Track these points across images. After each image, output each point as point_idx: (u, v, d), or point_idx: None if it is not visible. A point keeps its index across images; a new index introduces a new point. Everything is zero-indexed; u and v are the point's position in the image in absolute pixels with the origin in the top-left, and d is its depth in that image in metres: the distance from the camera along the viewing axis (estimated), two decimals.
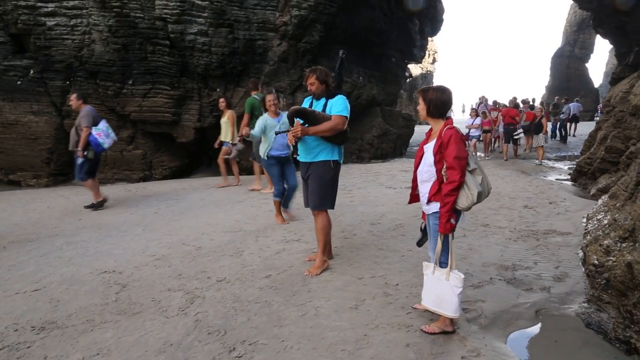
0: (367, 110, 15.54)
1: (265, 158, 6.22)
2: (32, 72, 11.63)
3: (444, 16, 20.61)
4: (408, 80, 21.60)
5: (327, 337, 3.15)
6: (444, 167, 3.07)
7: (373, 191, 8.50)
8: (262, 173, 8.95)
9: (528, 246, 5.37)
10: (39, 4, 11.12)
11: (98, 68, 11.48)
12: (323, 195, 4.39)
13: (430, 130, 3.30)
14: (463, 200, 3.07)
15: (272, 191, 8.83)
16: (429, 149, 3.20)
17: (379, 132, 15.39)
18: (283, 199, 6.36)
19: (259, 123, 6.21)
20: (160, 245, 5.55)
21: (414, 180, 3.40)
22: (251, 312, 3.57)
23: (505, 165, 13.25)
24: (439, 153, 3.10)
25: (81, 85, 11.66)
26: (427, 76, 36.11)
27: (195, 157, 13.33)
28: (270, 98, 6.43)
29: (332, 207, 4.48)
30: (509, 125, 14.36)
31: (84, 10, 11.20)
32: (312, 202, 4.44)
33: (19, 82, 11.72)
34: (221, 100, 9.79)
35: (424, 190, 3.26)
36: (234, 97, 11.96)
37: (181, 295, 3.97)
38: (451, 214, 3.06)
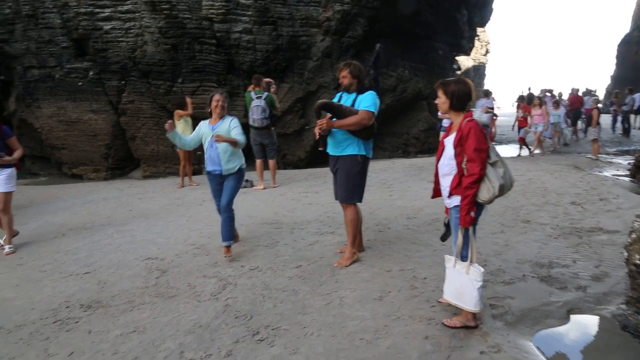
0: (413, 104, 15.38)
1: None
2: (91, 73, 12.38)
3: (494, 5, 20.00)
4: (457, 72, 21.13)
5: (348, 326, 3.25)
6: (464, 159, 3.08)
7: (414, 186, 8.46)
8: (266, 168, 8.98)
9: (569, 244, 5.21)
10: (97, 10, 11.80)
11: (150, 68, 12.04)
12: (351, 189, 4.46)
13: (451, 124, 3.31)
14: (484, 193, 3.06)
15: (261, 187, 8.77)
16: (449, 142, 3.22)
17: (425, 126, 15.21)
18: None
19: (195, 129, 5.01)
20: (201, 235, 5.83)
21: (436, 174, 3.42)
22: (278, 300, 3.73)
23: (557, 160, 12.77)
24: (459, 146, 3.11)
25: (135, 84, 12.28)
26: (479, 68, 35.10)
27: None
28: (216, 98, 4.88)
29: (360, 201, 4.55)
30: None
31: (137, 14, 11.77)
32: (340, 195, 4.54)
33: (79, 83, 12.50)
34: (190, 100, 9.87)
35: (445, 183, 3.28)
36: (279, 93, 12.20)
37: (215, 282, 4.19)
38: (471, 207, 3.07)
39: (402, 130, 15.08)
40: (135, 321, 3.48)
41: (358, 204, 4.55)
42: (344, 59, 12.48)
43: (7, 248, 5.70)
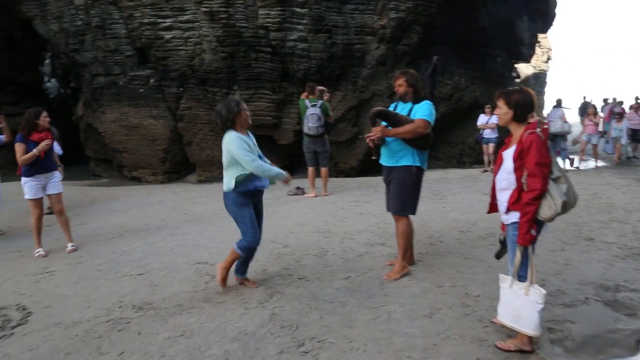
0: (469, 113, 14.96)
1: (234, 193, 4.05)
2: (152, 80, 12.90)
3: (557, 10, 19.18)
4: (516, 80, 20.41)
5: (395, 342, 3.15)
6: (524, 174, 2.92)
7: (468, 197, 8.19)
8: (318, 176, 8.91)
9: (638, 265, 4.85)
10: (159, 20, 12.29)
11: (207, 75, 12.39)
12: (404, 201, 4.36)
13: (510, 136, 3.15)
14: (545, 210, 2.88)
15: (312, 195, 8.36)
16: (508, 155, 3.06)
17: None
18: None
19: (241, 144, 3.95)
20: None
21: (493, 188, 3.26)
22: (325, 311, 3.67)
23: (625, 173, 12.00)
24: (518, 159, 2.95)
25: (192, 91, 12.67)
26: (540, 76, 33.73)
27: (295, 158, 13.83)
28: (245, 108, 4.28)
29: (413, 213, 4.44)
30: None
31: (196, 23, 12.16)
32: (392, 207, 4.44)
33: (141, 90, 13.06)
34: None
35: (503, 198, 3.12)
36: (332, 101, 12.21)
37: (262, 290, 4.20)
38: (531, 225, 2.90)
39: (457, 139, 14.70)
40: (183, 325, 3.53)
41: (410, 216, 4.44)
42: (399, 67, 12.35)
43: (69, 246, 5.99)
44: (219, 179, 12.54)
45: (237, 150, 3.92)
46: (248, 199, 4.12)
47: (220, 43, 11.95)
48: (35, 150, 5.59)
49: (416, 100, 4.33)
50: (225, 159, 4.05)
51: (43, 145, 5.64)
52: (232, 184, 4.03)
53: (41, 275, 5.00)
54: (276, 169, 4.19)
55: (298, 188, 9.24)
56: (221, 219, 7.22)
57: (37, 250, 5.78)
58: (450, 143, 14.75)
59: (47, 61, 19.71)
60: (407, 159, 4.30)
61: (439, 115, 12.77)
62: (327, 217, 6.99)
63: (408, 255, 4.55)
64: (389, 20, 11.88)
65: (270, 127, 12.58)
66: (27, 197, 5.78)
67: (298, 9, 11.62)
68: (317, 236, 5.98)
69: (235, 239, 5.92)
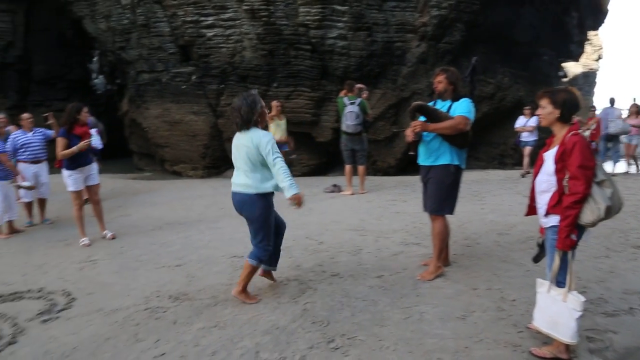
0: (512, 113, 14.57)
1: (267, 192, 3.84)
2: (193, 77, 13.21)
3: (610, 6, 18.37)
4: (563, 80, 19.72)
5: (426, 343, 3.11)
6: (566, 176, 2.82)
7: (508, 199, 7.98)
8: (355, 174, 8.88)
9: None
10: (201, 18, 12.57)
11: (247, 72, 12.58)
12: (441, 200, 4.30)
13: (552, 137, 3.05)
14: (588, 215, 2.78)
15: (349, 193, 8.36)
16: (550, 157, 2.96)
17: None
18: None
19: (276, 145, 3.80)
20: (286, 238, 5.79)
21: (532, 190, 3.17)
22: (356, 309, 3.67)
23: None
24: (560, 161, 2.85)
25: (233, 88, 12.88)
26: (589, 75, 32.45)
27: (333, 156, 13.86)
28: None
29: (451, 213, 4.37)
30: None
31: (237, 21, 12.36)
32: (429, 206, 4.38)
33: (183, 87, 13.39)
34: (279, 104, 9.76)
35: (542, 201, 3.03)
36: (371, 99, 12.15)
37: (295, 285, 4.23)
38: (572, 229, 2.80)
39: (499, 140, 14.35)
40: (217, 316, 3.60)
41: (447, 215, 4.38)
42: (440, 66, 12.16)
43: (108, 233, 6.28)
44: None
45: (272, 153, 3.66)
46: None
47: (260, 41, 12.09)
48: (75, 148, 5.85)
49: (455, 98, 4.26)
50: (252, 158, 3.70)
51: (83, 144, 5.91)
52: (267, 187, 3.76)
53: (85, 264, 5.22)
54: (294, 185, 3.75)
55: (335, 185, 9.25)
56: None
57: (82, 240, 6.03)
58: (492, 143, 14.43)
59: (95, 59, 20.57)
60: (446, 157, 4.24)
61: (481, 115, 12.60)
62: (363, 215, 6.97)
63: (443, 256, 4.49)
64: (430, 18, 11.71)
65: (309, 124, 12.65)
66: (70, 189, 6.04)
67: (338, 7, 11.62)
68: (352, 234, 5.97)
69: None
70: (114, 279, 4.68)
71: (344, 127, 8.53)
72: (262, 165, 3.74)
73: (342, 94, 8.78)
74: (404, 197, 8.28)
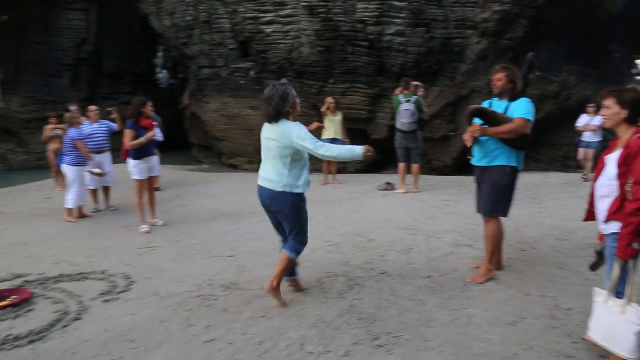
0: (577, 113, 13.86)
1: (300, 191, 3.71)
2: (252, 72, 13.50)
3: None
4: (637, 78, 18.51)
5: (473, 347, 3.06)
6: (629, 181, 2.68)
7: (569, 203, 7.64)
8: (409, 172, 8.74)
9: None
10: (260, 15, 12.80)
11: (304, 68, 12.70)
12: (495, 202, 4.18)
13: (616, 139, 2.90)
14: None
15: (402, 191, 8.28)
16: (612, 160, 2.82)
17: None
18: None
19: (309, 133, 3.58)
20: (336, 234, 5.97)
21: (592, 194, 3.03)
22: (403, 308, 3.66)
23: None
24: (623, 165, 2.71)
25: (289, 83, 13.05)
26: None
27: (387, 153, 13.75)
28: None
29: (505, 215, 4.24)
30: None
31: (295, 17, 12.49)
32: (483, 207, 4.28)
33: (241, 82, 13.72)
34: (332, 100, 9.74)
35: (602, 206, 2.89)
36: (428, 97, 11.95)
37: (343, 281, 4.27)
38: (634, 237, 2.66)
39: (562, 141, 13.69)
40: (266, 307, 3.70)
41: (501, 218, 4.26)
42: (501, 63, 11.78)
43: (160, 222, 6.63)
44: (311, 170, 12.88)
45: (309, 139, 3.46)
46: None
47: (318, 37, 12.17)
48: (142, 139, 6.23)
49: (513, 97, 4.12)
50: (282, 153, 3.52)
51: (149, 135, 6.30)
52: (299, 183, 3.62)
53: (144, 249, 5.50)
54: (355, 147, 3.60)
55: (388, 183, 9.19)
56: (309, 209, 7.36)
57: (141, 227, 6.34)
58: (554, 145, 13.80)
59: (159, 54, 21.47)
60: (502, 158, 4.11)
61: (543, 115, 12.11)
62: (415, 214, 6.90)
63: (495, 259, 4.37)
64: (492, 13, 11.35)
65: (364, 121, 12.63)
66: (135, 177, 6.37)
67: (396, 3, 11.49)
68: (402, 232, 5.93)
69: (321, 230, 6.10)
70: (170, 265, 4.90)
71: (398, 125, 8.46)
72: (292, 160, 3.55)
73: (397, 91, 8.70)
74: (458, 197, 8.11)
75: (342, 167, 13.04)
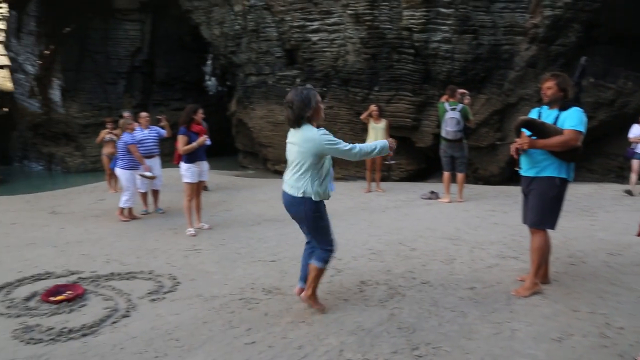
0: (634, 122, 13.22)
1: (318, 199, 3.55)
2: (298, 80, 13.68)
3: None
4: None
5: None
6: None
7: (624, 217, 7.29)
8: (454, 181, 8.58)
9: None
10: (307, 23, 12.99)
11: (349, 76, 12.75)
12: (543, 213, 4.06)
13: None
14: None
15: (446, 200, 8.26)
16: None
17: None
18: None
19: (333, 136, 3.52)
20: (379, 242, 5.96)
21: None
22: (444, 319, 3.61)
23: None
24: None
25: (335, 91, 13.14)
26: None
27: (432, 162, 13.58)
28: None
29: (553, 228, 4.11)
30: None
31: (341, 26, 12.59)
32: (530, 219, 4.16)
33: (287, 89, 13.87)
34: (375, 108, 9.72)
35: None
36: (475, 104, 11.72)
37: (384, 289, 4.26)
38: None
39: (618, 151, 13.04)
40: (306, 312, 3.75)
41: (549, 230, 4.13)
42: (551, 70, 11.39)
43: (205, 225, 6.83)
44: (355, 177, 12.91)
45: (334, 143, 3.40)
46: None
47: (364, 45, 12.21)
48: (195, 144, 6.49)
49: (564, 106, 4.00)
50: (303, 158, 3.44)
51: (202, 140, 6.57)
52: (317, 190, 3.49)
53: (190, 252, 5.67)
54: (378, 142, 3.55)
55: (432, 192, 9.09)
56: (352, 217, 7.43)
57: (188, 229, 6.55)
58: (609, 155, 13.18)
59: (208, 62, 22.15)
60: (552, 169, 3.99)
61: (597, 123, 11.66)
62: (459, 224, 6.79)
63: (542, 272, 4.24)
64: (542, 19, 11.01)
65: (409, 129, 12.54)
66: (187, 180, 6.61)
67: (443, 9, 11.37)
68: (446, 242, 5.85)
69: (363, 237, 6.10)
70: (214, 268, 5.04)
71: (443, 133, 8.35)
72: (313, 166, 3.45)
73: (443, 99, 8.60)
74: (504, 207, 7.91)
75: (386, 175, 12.97)
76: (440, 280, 4.50)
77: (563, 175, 3.99)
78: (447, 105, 8.30)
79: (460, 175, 8.57)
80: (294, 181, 3.53)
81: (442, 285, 4.35)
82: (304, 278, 3.84)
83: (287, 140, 3.63)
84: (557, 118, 3.98)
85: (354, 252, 5.50)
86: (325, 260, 3.66)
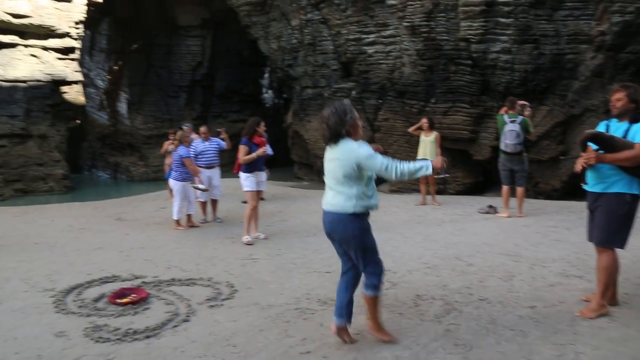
0: None
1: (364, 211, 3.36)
2: (353, 93, 13.78)
3: None
4: None
5: None
6: None
7: None
8: (513, 195, 8.27)
9: None
10: (363, 36, 13.10)
11: (405, 88, 12.70)
12: (611, 232, 3.86)
13: None
14: None
15: (505, 215, 7.89)
16: None
17: None
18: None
19: (373, 151, 3.31)
20: (434, 256, 5.87)
21: None
22: (502, 337, 3.50)
23: None
24: None
25: (390, 103, 13.11)
26: None
27: (490, 175, 13.21)
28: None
29: (622, 247, 3.90)
30: None
31: (397, 38, 12.59)
32: (596, 236, 3.97)
33: None
34: (425, 120, 9.64)
35: None
36: (535, 116, 11.33)
37: (440, 305, 4.19)
38: None
39: None
40: (360, 324, 3.73)
41: (617, 250, 3.92)
42: (620, 79, 10.83)
43: (262, 235, 6.99)
44: (410, 190, 12.76)
45: (372, 156, 3.19)
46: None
47: (420, 56, 12.14)
48: (254, 154, 6.72)
49: (635, 119, 3.80)
50: (344, 172, 3.23)
51: (261, 151, 6.78)
52: (360, 205, 3.27)
53: (247, 260, 5.82)
54: (423, 163, 3.27)
55: (490, 206, 8.84)
56: (407, 230, 7.36)
57: (245, 237, 6.72)
58: None
59: (266, 75, 22.77)
60: (621, 185, 3.78)
61: None
62: (518, 240, 6.57)
63: (609, 293, 4.02)
64: (610, 25, 10.51)
65: (466, 141, 12.29)
66: (247, 189, 6.83)
67: (502, 19, 11.11)
68: (504, 258, 5.68)
69: (419, 251, 6.03)
70: (271, 277, 5.14)
71: (502, 146, 8.13)
72: (355, 179, 3.24)
73: (502, 111, 8.40)
74: (567, 224, 7.57)
75: (442, 188, 12.73)
76: (498, 297, 4.37)
77: (635, 192, 3.79)
78: (506, 118, 8.09)
79: (519, 190, 8.30)
80: (337, 197, 3.30)
81: (500, 303, 4.22)
82: (341, 313, 3.44)
83: (325, 159, 3.41)
84: (627, 131, 3.79)
85: (409, 265, 5.45)
86: (377, 286, 3.36)
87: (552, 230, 7.16)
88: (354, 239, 3.31)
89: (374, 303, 3.40)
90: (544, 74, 11.31)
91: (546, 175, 12.03)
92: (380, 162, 3.19)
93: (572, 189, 11.41)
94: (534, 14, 11.08)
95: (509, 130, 7.96)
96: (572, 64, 11.24)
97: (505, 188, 8.37)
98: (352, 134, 3.29)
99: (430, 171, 3.26)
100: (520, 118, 8.00)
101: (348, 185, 3.24)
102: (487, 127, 11.99)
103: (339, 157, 3.24)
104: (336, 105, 3.31)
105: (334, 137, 3.27)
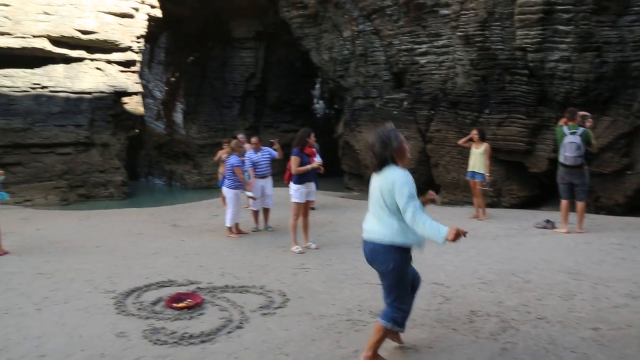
0: None
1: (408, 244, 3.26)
2: (405, 103, 13.72)
3: None
4: None
5: None
6: None
7: None
8: (572, 210, 7.90)
9: None
10: (415, 46, 13.03)
11: (459, 99, 12.50)
12: None
13: None
14: None
15: (564, 231, 7.39)
16: None
17: None
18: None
19: (413, 188, 3.16)
20: (489, 271, 5.71)
21: None
22: (563, 359, 3.35)
23: None
24: None
25: (443, 114, 12.93)
26: None
27: (547, 188, 12.73)
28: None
29: None
30: None
31: (450, 48, 12.44)
32: None
33: (395, 112, 14.01)
34: (474, 132, 9.41)
35: None
36: (597, 127, 10.83)
37: (496, 322, 4.06)
38: None
39: None
40: (414, 340, 3.69)
41: None
42: None
43: (313, 245, 7.02)
44: (462, 202, 12.50)
45: (406, 198, 3.06)
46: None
47: (474, 66, 11.92)
48: (309, 166, 6.84)
49: None
50: (387, 201, 3.15)
51: (315, 164, 6.94)
52: (406, 240, 3.17)
53: (298, 270, 5.87)
54: (441, 229, 3.04)
55: (548, 221, 8.51)
56: (460, 244, 7.10)
57: (294, 247, 6.79)
58: None
59: (317, 86, 23.05)
60: None
61: None
62: (579, 258, 6.27)
63: None
64: None
65: (522, 153, 11.92)
66: (295, 200, 6.90)
67: (561, 27, 10.72)
68: (564, 276, 5.44)
69: (472, 265, 5.88)
70: (322, 287, 5.15)
71: (561, 159, 7.82)
72: (396, 210, 3.13)
73: (561, 122, 8.08)
74: (633, 241, 7.16)
75: (496, 201, 12.38)
76: (558, 316, 4.19)
77: None
78: (565, 129, 7.78)
79: (580, 204, 7.93)
80: (380, 226, 3.21)
81: (560, 323, 4.05)
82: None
83: (371, 186, 3.35)
84: None
85: (463, 280, 5.32)
86: (396, 321, 3.23)
87: (616, 248, 6.79)
88: (392, 271, 3.19)
89: (384, 336, 3.30)
90: (606, 83, 10.81)
91: (609, 190, 11.44)
92: (406, 200, 3.05)
93: (637, 204, 10.81)
94: (596, 21, 10.63)
95: (569, 142, 7.65)
96: (638, 72, 10.68)
97: (564, 202, 8.03)
98: (397, 160, 3.22)
99: (441, 242, 3.06)
100: (581, 130, 7.67)
101: (390, 215, 3.15)
102: (545, 139, 11.58)
103: (384, 183, 3.17)
104: (380, 132, 3.26)
105: (380, 164, 3.22)
